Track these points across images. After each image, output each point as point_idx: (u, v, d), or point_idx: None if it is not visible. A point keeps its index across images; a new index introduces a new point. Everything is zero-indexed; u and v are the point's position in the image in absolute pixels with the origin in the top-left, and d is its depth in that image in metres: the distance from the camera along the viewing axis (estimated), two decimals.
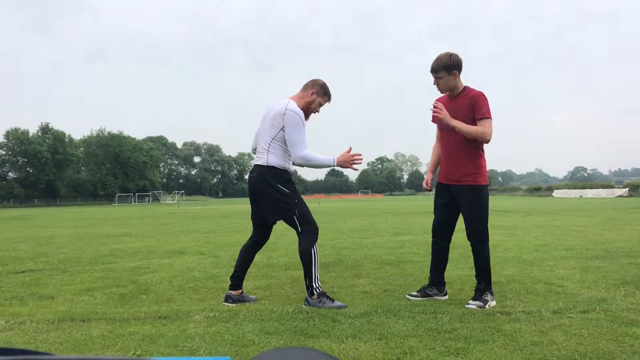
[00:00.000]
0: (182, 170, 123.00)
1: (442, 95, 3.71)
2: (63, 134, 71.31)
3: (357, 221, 13.47)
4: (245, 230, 10.60)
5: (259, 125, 3.71)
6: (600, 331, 2.73)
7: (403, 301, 3.58)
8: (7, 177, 69.47)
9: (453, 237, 3.78)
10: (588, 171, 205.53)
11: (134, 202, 70.29)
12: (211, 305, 3.55)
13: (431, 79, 3.57)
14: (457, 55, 3.50)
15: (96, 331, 2.93)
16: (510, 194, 76.35)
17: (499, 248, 6.52)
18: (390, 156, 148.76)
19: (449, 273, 4.46)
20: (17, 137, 66.27)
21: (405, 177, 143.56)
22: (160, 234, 10.23)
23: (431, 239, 3.80)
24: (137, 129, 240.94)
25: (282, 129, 3.47)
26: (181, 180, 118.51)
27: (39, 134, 69.23)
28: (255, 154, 3.74)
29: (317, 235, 3.59)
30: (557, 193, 61.88)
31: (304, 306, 3.45)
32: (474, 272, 3.56)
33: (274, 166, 3.50)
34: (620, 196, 48.74)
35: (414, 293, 3.71)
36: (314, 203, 34.74)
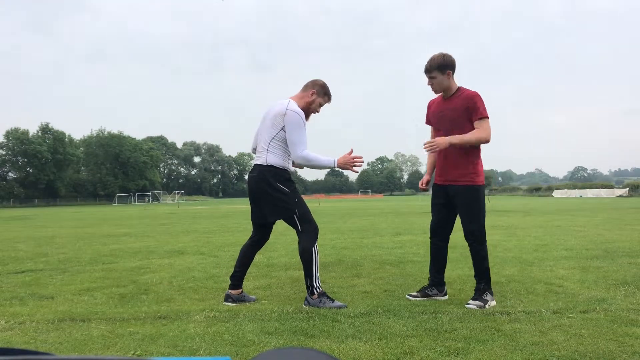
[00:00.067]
0: (182, 170, 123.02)
1: (436, 96, 3.71)
2: (63, 134, 71.32)
3: (357, 221, 13.47)
4: (245, 230, 10.60)
5: (259, 125, 3.71)
6: (600, 331, 2.73)
7: (403, 301, 3.58)
8: (7, 177, 69.48)
9: (453, 237, 3.78)
10: (588, 171, 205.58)
11: (134, 202, 70.28)
12: (211, 305, 3.55)
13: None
14: (450, 56, 3.51)
15: (96, 331, 2.93)
16: (510, 194, 76.36)
17: (499, 248, 6.52)
18: (390, 156, 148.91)
19: (449, 273, 4.46)
20: (17, 137, 66.28)
21: (405, 177, 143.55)
22: (160, 234, 10.23)
23: (429, 240, 3.81)
24: (137, 129, 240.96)
25: (282, 128, 3.47)
26: (181, 180, 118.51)
27: (39, 134, 69.24)
28: (255, 153, 3.74)
29: (317, 234, 3.59)
30: (557, 193, 61.88)
31: (304, 306, 3.45)
32: (473, 272, 3.56)
33: (273, 166, 3.50)
34: (620, 196, 48.74)
35: (414, 293, 3.71)
36: (314, 203, 34.73)
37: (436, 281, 3.69)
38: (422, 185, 3.82)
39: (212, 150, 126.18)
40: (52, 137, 69.44)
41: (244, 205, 33.47)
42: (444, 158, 3.57)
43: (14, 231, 12.47)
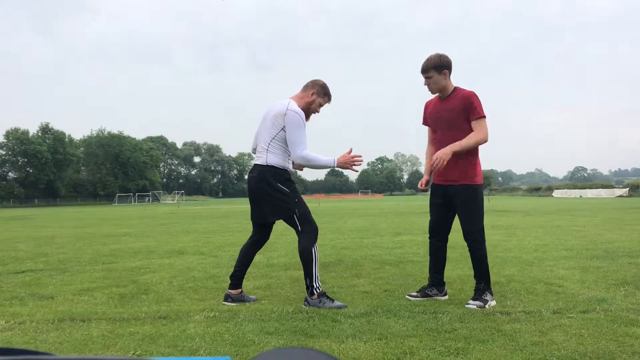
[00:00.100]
0: (182, 170, 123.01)
1: (433, 97, 3.72)
2: (63, 134, 71.32)
3: (357, 221, 13.47)
4: (245, 230, 10.60)
5: (259, 125, 3.71)
6: (600, 331, 2.72)
7: (403, 301, 3.58)
8: (7, 177, 69.48)
9: (453, 237, 3.78)
10: (588, 171, 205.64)
11: (134, 202, 70.29)
12: (211, 305, 3.55)
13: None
14: (446, 56, 3.52)
15: (96, 331, 2.93)
16: (510, 194, 76.36)
17: (499, 248, 6.52)
18: (390, 156, 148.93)
19: (449, 273, 4.46)
20: (17, 137, 66.28)
21: (405, 177, 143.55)
22: (160, 234, 10.23)
23: (428, 240, 3.81)
24: (137, 129, 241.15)
25: (282, 128, 3.47)
26: (181, 180, 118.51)
27: (39, 134, 69.25)
28: (255, 154, 3.74)
29: (317, 235, 3.59)
30: (557, 193, 61.88)
31: (303, 306, 3.45)
32: (473, 272, 3.56)
33: (273, 166, 3.50)
34: (620, 196, 48.74)
35: (414, 293, 3.71)
36: (314, 203, 34.72)
37: (436, 281, 3.69)
38: (421, 186, 3.82)
39: (212, 150, 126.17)
40: (52, 137, 69.45)
41: (244, 205, 33.47)
42: None
43: (14, 231, 12.47)
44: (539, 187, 78.23)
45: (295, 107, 3.49)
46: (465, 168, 3.46)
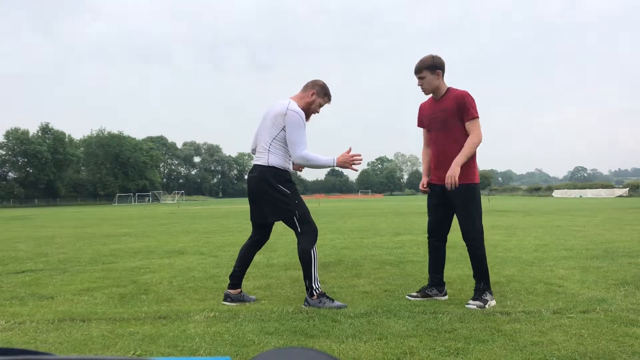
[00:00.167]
0: (182, 170, 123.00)
1: (427, 98, 3.73)
2: (63, 134, 71.32)
3: (357, 221, 13.47)
4: (245, 230, 10.60)
5: (259, 125, 3.71)
6: (600, 331, 2.72)
7: (403, 301, 3.58)
8: (7, 177, 69.48)
9: (453, 237, 3.78)
10: (588, 171, 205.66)
11: (134, 202, 70.29)
12: (211, 305, 3.55)
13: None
14: (439, 57, 3.55)
15: (96, 331, 2.93)
16: (510, 194, 76.36)
17: (499, 248, 6.52)
18: (390, 156, 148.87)
19: (449, 273, 4.46)
20: (17, 137, 66.28)
21: (405, 177, 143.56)
22: (160, 234, 10.23)
23: (427, 240, 3.81)
24: (137, 129, 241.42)
25: (283, 128, 3.47)
26: (181, 180, 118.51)
27: (39, 134, 69.25)
28: (254, 154, 3.73)
29: (317, 236, 3.59)
30: (557, 193, 61.87)
31: (303, 306, 3.45)
32: (472, 272, 3.56)
33: (274, 166, 3.50)
34: (620, 196, 48.73)
35: (414, 294, 3.71)
36: (314, 203, 34.73)
37: (435, 281, 3.69)
38: (422, 187, 3.83)
39: (212, 150, 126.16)
40: (52, 137, 69.45)
41: (244, 205, 33.47)
42: (440, 159, 3.57)
43: (14, 231, 12.47)
44: (539, 187, 78.21)
45: (295, 107, 3.49)
46: (463, 167, 3.46)
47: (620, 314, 3.07)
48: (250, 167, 3.78)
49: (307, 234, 3.51)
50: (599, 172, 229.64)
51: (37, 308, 3.57)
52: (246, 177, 3.82)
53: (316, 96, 3.66)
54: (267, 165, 3.50)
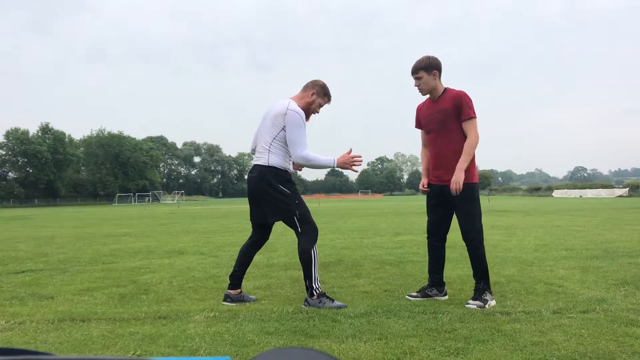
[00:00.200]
0: (182, 170, 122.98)
1: (425, 99, 3.74)
2: (63, 134, 71.31)
3: (357, 221, 13.47)
4: (245, 230, 10.60)
5: (259, 125, 3.71)
6: (600, 331, 2.72)
7: (403, 301, 3.58)
8: (7, 177, 69.46)
9: (453, 237, 3.78)
10: (588, 171, 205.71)
11: (134, 202, 70.29)
12: (211, 305, 3.55)
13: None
14: (436, 58, 3.56)
15: (96, 331, 2.93)
16: (510, 194, 76.35)
17: (499, 248, 6.52)
18: (390, 156, 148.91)
19: (449, 273, 4.46)
20: (17, 137, 66.27)
21: (405, 177, 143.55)
22: (160, 234, 10.23)
23: (426, 240, 3.81)
24: (137, 129, 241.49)
25: (283, 128, 3.47)
26: (181, 180, 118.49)
27: (39, 134, 69.24)
28: (254, 154, 3.73)
29: (317, 236, 3.59)
30: (557, 193, 61.86)
31: (303, 306, 3.45)
32: (472, 272, 3.56)
33: (274, 166, 3.49)
34: (620, 196, 48.72)
35: (414, 294, 3.71)
36: (314, 203, 34.73)
37: (435, 281, 3.69)
38: (423, 187, 3.83)
39: (212, 150, 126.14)
40: (52, 137, 69.43)
41: (244, 205, 33.47)
42: (439, 159, 3.58)
43: (14, 231, 12.47)
44: (539, 187, 78.18)
45: (295, 107, 3.49)
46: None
47: (620, 314, 3.07)
48: (250, 167, 3.77)
49: (307, 234, 3.51)
50: (599, 172, 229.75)
51: (37, 308, 3.57)
52: (246, 177, 3.81)
53: (316, 96, 3.66)
54: (267, 165, 3.50)
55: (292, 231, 3.60)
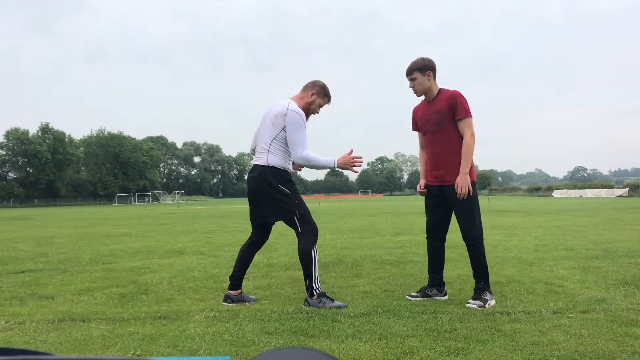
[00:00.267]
0: (182, 170, 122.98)
1: (420, 101, 3.74)
2: (63, 134, 71.32)
3: (357, 221, 13.47)
4: (245, 230, 10.60)
5: (259, 125, 3.71)
6: (600, 331, 2.73)
7: (403, 301, 3.58)
8: (7, 177, 69.46)
9: (453, 237, 3.78)
10: (588, 171, 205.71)
11: (134, 202, 70.28)
12: (211, 305, 3.55)
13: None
14: (430, 59, 3.57)
15: (96, 331, 2.93)
16: (510, 194, 76.35)
17: (499, 248, 6.52)
18: (390, 156, 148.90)
19: (449, 273, 4.46)
20: (17, 137, 66.27)
21: (405, 177, 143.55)
22: (160, 234, 10.23)
23: (426, 240, 3.82)
24: (137, 129, 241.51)
25: (283, 129, 3.47)
26: (181, 180, 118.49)
27: (39, 134, 69.24)
28: (254, 154, 3.73)
29: (317, 236, 3.59)
30: (557, 193, 61.86)
31: (303, 306, 3.45)
32: (472, 272, 3.56)
33: (274, 166, 3.49)
34: (620, 196, 48.73)
35: (414, 294, 3.71)
36: (314, 203, 34.73)
37: (435, 281, 3.69)
38: (420, 189, 3.84)
39: (212, 150, 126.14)
40: (52, 137, 69.44)
41: (244, 205, 33.47)
42: (437, 160, 3.58)
43: (14, 231, 12.47)
44: (539, 187, 78.20)
45: (295, 107, 3.49)
46: (458, 166, 3.46)
47: (620, 314, 3.07)
48: (250, 167, 3.77)
49: (307, 234, 3.51)
50: (599, 172, 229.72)
51: (37, 308, 3.57)
52: (246, 177, 3.82)
53: (316, 96, 3.66)
54: (266, 165, 3.50)
55: (292, 231, 3.60)
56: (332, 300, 3.48)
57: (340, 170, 3.65)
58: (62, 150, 69.76)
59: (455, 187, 3.43)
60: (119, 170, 76.99)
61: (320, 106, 3.73)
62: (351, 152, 3.61)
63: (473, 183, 3.50)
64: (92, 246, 7.92)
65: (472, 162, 3.55)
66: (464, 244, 3.56)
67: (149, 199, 75.53)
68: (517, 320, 2.99)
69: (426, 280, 4.06)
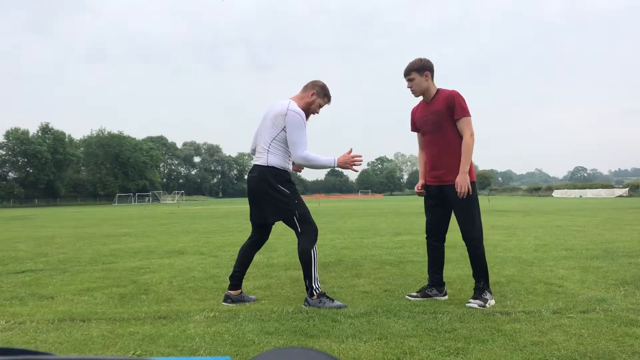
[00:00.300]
0: (182, 170, 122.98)
1: (418, 102, 3.75)
2: (63, 134, 71.32)
3: (357, 221, 13.47)
4: (245, 230, 10.60)
5: (259, 125, 3.71)
6: (600, 331, 2.73)
7: (403, 301, 3.58)
8: (7, 177, 69.47)
9: (453, 237, 3.78)
10: (588, 171, 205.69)
11: (134, 202, 70.28)
12: (211, 305, 3.55)
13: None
14: (428, 60, 3.59)
15: (96, 331, 2.93)
16: (510, 194, 76.34)
17: (499, 248, 6.51)
18: (390, 156, 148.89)
19: (449, 273, 4.46)
20: (17, 137, 66.27)
21: (405, 177, 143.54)
22: (160, 234, 10.23)
23: (425, 240, 3.82)
24: (137, 129, 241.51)
25: (283, 129, 3.47)
26: (181, 180, 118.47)
27: (39, 134, 69.25)
28: (254, 154, 3.73)
29: (317, 236, 3.59)
30: (557, 193, 61.85)
31: (303, 306, 3.45)
32: (472, 272, 3.56)
33: (274, 166, 3.50)
34: (620, 196, 48.72)
35: (414, 294, 3.71)
36: (314, 203, 34.74)
37: (435, 281, 3.69)
38: (417, 189, 3.84)
39: (212, 150, 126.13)
40: (52, 137, 69.45)
41: (244, 205, 33.46)
42: (436, 160, 3.58)
43: (14, 231, 12.47)
44: (539, 187, 78.17)
45: (295, 107, 3.49)
46: (458, 166, 3.47)
47: (620, 314, 3.07)
48: (250, 167, 3.78)
49: (307, 234, 3.51)
50: (599, 172, 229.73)
51: (37, 308, 3.57)
52: (246, 177, 3.82)
53: (316, 97, 3.66)
54: (266, 165, 3.50)
55: (293, 231, 3.60)
56: (332, 300, 3.48)
57: (340, 169, 3.67)
58: (62, 150, 69.77)
59: (455, 186, 3.43)
60: (119, 170, 76.98)
61: (320, 106, 3.73)
62: (350, 151, 3.62)
63: (473, 183, 3.51)
64: (92, 246, 7.92)
65: (472, 161, 3.56)
66: (463, 244, 3.56)
67: (149, 199, 75.52)
68: (517, 320, 2.99)
69: (426, 280, 4.06)
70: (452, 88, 3.57)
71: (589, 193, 55.27)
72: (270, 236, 3.90)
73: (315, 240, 3.54)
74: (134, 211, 28.87)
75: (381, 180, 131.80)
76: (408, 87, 3.62)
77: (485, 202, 29.71)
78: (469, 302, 3.38)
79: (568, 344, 2.53)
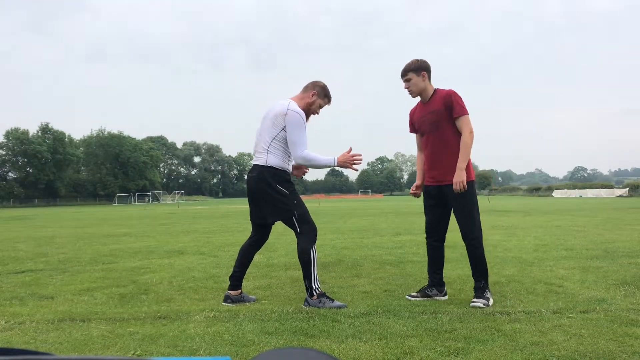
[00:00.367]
0: (182, 170, 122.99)
1: (416, 103, 3.76)
2: (63, 134, 71.33)
3: (357, 221, 13.47)
4: (245, 230, 10.60)
5: (259, 126, 3.71)
6: (600, 331, 2.73)
7: (403, 301, 3.58)
8: (7, 177, 69.48)
9: (453, 237, 3.79)
10: (588, 171, 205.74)
11: (134, 202, 70.27)
12: (211, 305, 3.55)
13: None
14: (425, 60, 3.60)
15: (96, 331, 2.93)
16: (510, 194, 76.33)
17: (499, 248, 6.52)
18: (390, 156, 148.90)
19: (449, 273, 4.46)
20: (17, 137, 66.28)
21: (405, 177, 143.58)
22: (160, 234, 10.23)
23: (425, 240, 3.82)
24: (137, 129, 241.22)
25: (283, 129, 3.47)
26: (181, 180, 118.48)
27: (39, 134, 69.25)
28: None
29: (316, 236, 3.59)
30: (557, 193, 61.86)
31: (303, 306, 3.45)
32: (471, 272, 3.56)
33: (273, 166, 3.50)
34: (620, 196, 48.72)
35: (414, 294, 3.71)
36: (314, 203, 34.74)
37: (435, 281, 3.69)
38: (414, 189, 3.84)
39: (212, 150, 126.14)
40: (52, 137, 69.45)
41: (244, 205, 33.47)
42: (435, 160, 3.59)
43: (14, 231, 12.47)
44: (539, 187, 78.19)
45: (295, 107, 3.49)
46: (456, 166, 3.47)
47: (620, 314, 3.07)
48: (250, 167, 3.78)
49: (306, 234, 3.51)
50: (599, 172, 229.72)
51: (37, 308, 3.57)
52: (246, 177, 3.82)
53: (316, 97, 3.66)
54: (265, 165, 3.50)
55: (292, 231, 3.60)
56: (332, 300, 3.48)
57: (340, 169, 3.67)
58: (62, 150, 69.77)
59: (451, 182, 3.44)
60: (119, 170, 76.98)
61: (321, 107, 3.74)
62: (350, 150, 3.62)
63: (472, 182, 3.51)
64: (92, 246, 7.92)
65: (472, 161, 3.56)
66: (463, 243, 3.56)
67: (149, 199, 75.52)
68: (517, 320, 2.99)
69: (426, 280, 4.06)
70: (452, 88, 3.58)
71: (589, 193, 55.28)
72: (270, 236, 3.90)
73: (314, 241, 3.54)
74: (134, 211, 28.88)
75: (381, 180, 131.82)
76: (405, 88, 3.64)
77: (485, 202, 29.71)
78: (474, 302, 3.38)
79: (568, 344, 2.53)
